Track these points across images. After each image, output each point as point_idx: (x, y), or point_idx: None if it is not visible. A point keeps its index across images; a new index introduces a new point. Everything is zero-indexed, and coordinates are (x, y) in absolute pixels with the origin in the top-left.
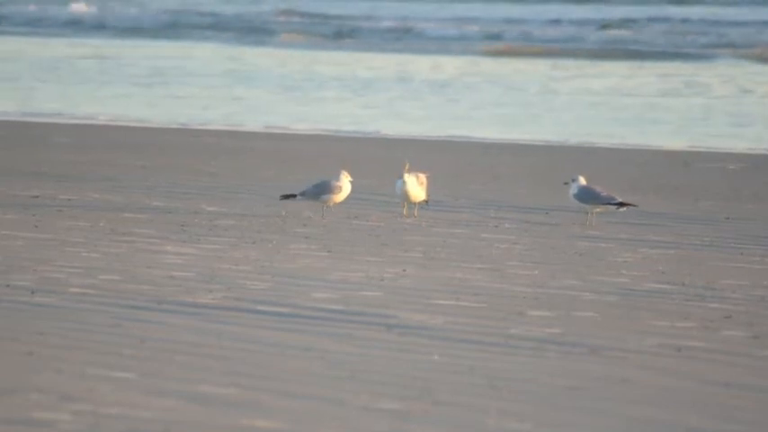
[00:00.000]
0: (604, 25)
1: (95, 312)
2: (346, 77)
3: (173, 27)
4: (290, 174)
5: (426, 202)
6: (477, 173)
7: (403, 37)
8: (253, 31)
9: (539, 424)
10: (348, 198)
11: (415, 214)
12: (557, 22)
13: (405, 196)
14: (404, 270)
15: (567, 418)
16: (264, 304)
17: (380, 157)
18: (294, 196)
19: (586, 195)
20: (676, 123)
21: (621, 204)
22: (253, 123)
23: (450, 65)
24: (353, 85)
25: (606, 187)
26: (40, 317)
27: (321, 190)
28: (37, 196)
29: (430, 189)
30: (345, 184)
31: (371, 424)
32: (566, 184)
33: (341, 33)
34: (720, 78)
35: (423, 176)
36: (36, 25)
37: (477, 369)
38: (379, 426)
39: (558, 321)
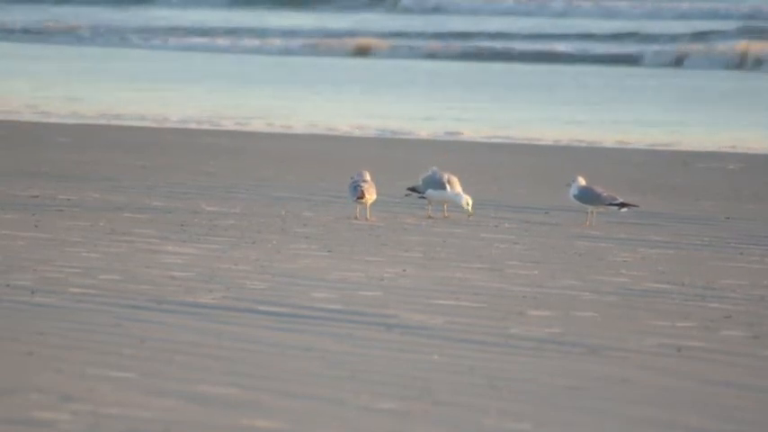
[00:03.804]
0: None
1: (95, 312)
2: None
3: None
4: (289, 173)
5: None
6: (478, 173)
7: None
8: None
9: (539, 424)
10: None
11: (446, 215)
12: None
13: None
14: (404, 270)
15: (567, 418)
16: (264, 304)
17: (380, 157)
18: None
19: (587, 196)
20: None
21: (622, 205)
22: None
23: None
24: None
25: (606, 187)
26: (40, 317)
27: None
28: (37, 196)
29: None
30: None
31: (371, 424)
32: (567, 185)
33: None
34: None
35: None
36: None
37: (477, 369)
38: (379, 426)
39: (558, 321)
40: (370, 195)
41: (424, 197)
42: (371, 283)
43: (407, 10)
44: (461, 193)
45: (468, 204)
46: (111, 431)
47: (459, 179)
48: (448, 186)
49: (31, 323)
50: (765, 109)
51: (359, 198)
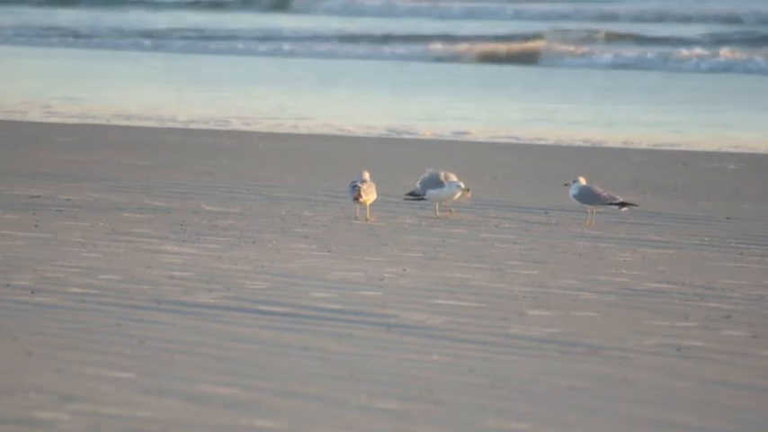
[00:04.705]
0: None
1: (95, 312)
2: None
3: None
4: (289, 173)
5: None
6: (478, 173)
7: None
8: None
9: (539, 424)
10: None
11: (438, 213)
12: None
13: (444, 199)
14: (404, 270)
15: (567, 418)
16: (264, 304)
17: (381, 157)
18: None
19: (587, 196)
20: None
21: (623, 204)
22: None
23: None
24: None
25: (606, 187)
26: (40, 317)
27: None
28: (37, 196)
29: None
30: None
31: (371, 424)
32: (566, 185)
33: None
34: None
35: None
36: None
37: (477, 369)
38: (379, 426)
39: (558, 321)
40: (368, 196)
41: (424, 199)
42: (371, 283)
43: (303, 11)
44: (456, 180)
45: (460, 186)
46: (111, 431)
47: (458, 178)
48: (446, 182)
49: (31, 323)
50: (765, 109)
51: (355, 198)
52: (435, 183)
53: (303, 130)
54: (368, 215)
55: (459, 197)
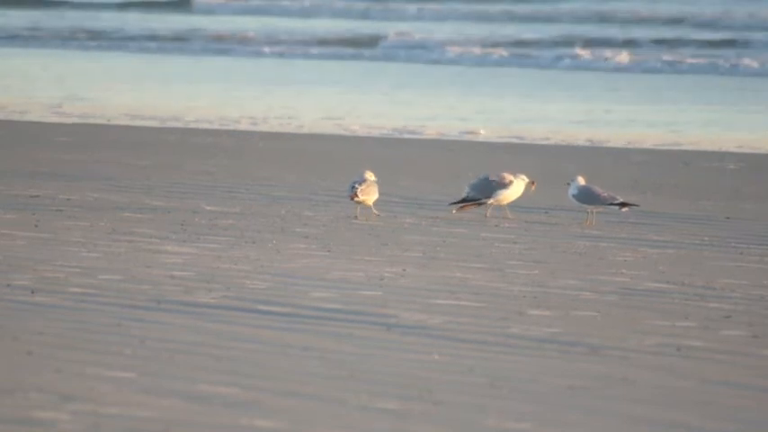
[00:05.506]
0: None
1: (95, 312)
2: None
3: None
4: (289, 173)
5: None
6: (478, 173)
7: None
8: None
9: (539, 424)
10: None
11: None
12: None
13: (504, 201)
14: (404, 270)
15: (567, 418)
16: (264, 304)
17: (382, 157)
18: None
19: (586, 196)
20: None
21: (623, 204)
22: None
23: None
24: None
25: (606, 187)
26: (40, 317)
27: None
28: (37, 196)
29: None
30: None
31: (371, 424)
32: (567, 184)
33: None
34: None
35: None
36: None
37: (477, 369)
38: (379, 425)
39: (558, 321)
40: (366, 195)
41: (483, 202)
42: (371, 282)
43: (208, 11)
44: (517, 175)
45: (524, 180)
46: (111, 431)
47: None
48: (514, 179)
49: (31, 323)
50: (765, 109)
51: (351, 198)
52: (503, 185)
53: (304, 130)
54: (374, 211)
55: (525, 191)
